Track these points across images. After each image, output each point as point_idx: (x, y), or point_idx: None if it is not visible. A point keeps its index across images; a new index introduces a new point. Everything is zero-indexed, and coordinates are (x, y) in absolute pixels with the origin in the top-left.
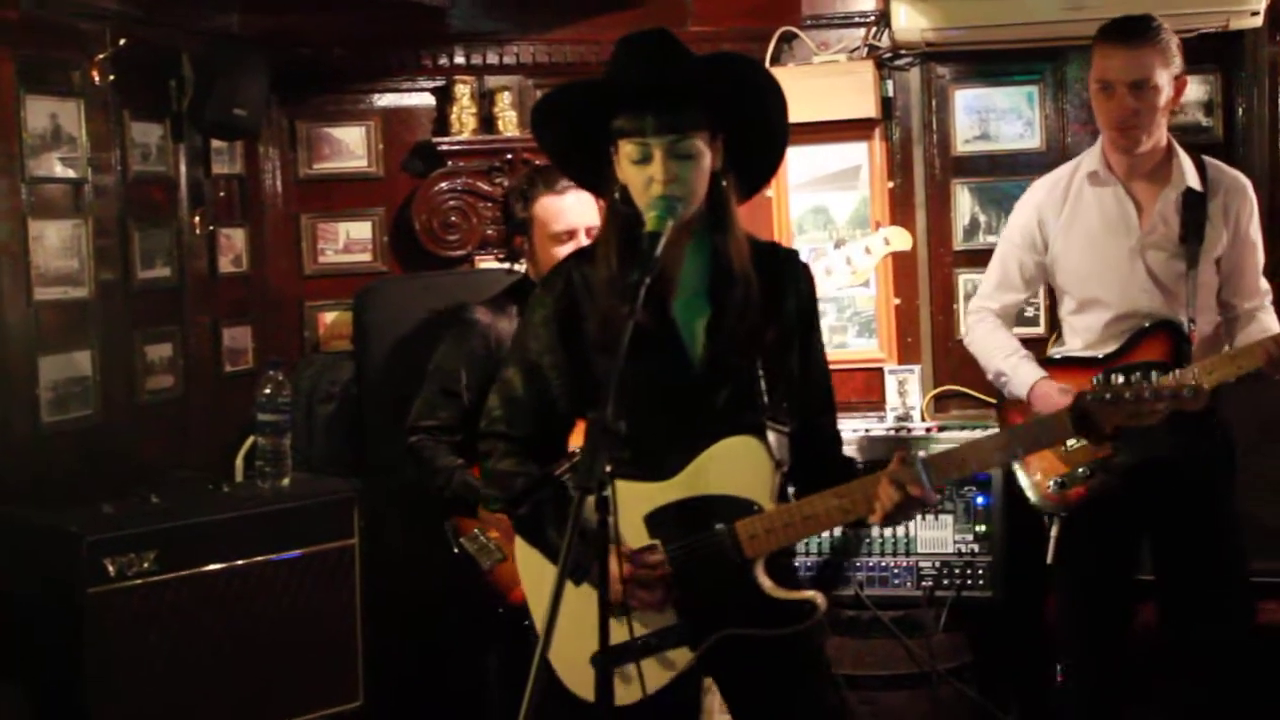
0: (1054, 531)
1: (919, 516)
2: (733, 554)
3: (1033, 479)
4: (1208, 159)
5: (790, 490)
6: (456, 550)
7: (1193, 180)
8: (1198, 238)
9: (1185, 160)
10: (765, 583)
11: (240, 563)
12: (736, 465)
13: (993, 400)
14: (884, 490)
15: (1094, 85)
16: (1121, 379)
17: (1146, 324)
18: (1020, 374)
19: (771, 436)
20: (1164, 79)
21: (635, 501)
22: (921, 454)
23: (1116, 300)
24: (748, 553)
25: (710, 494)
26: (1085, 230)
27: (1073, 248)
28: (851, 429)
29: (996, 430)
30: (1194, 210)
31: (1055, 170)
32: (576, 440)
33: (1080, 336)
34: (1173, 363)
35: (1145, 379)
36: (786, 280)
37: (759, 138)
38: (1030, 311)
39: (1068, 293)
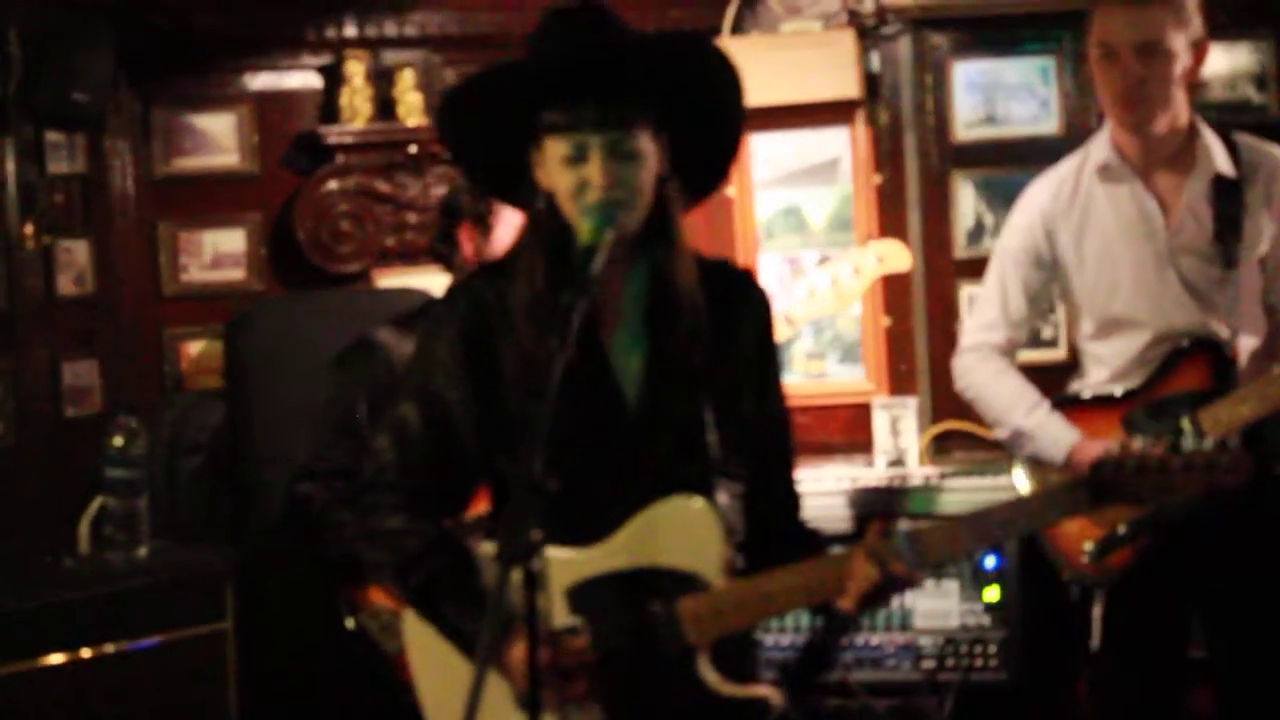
0: (1097, 610)
1: None
2: (672, 639)
3: (1061, 545)
4: (1239, 136)
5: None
6: (353, 628)
7: (1223, 164)
8: (1235, 233)
9: (1212, 140)
10: (710, 676)
11: (86, 654)
12: (680, 531)
13: None
14: (859, 567)
15: (1094, 51)
16: (1141, 438)
17: (1184, 343)
18: (1050, 433)
19: (722, 497)
20: (1179, 43)
21: (556, 571)
22: (904, 527)
23: (1148, 319)
24: (690, 638)
25: (647, 565)
26: (1101, 237)
27: (1088, 260)
28: (834, 477)
29: (1001, 499)
30: (1227, 200)
31: (1057, 166)
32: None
33: (1106, 366)
34: (1215, 390)
35: (1177, 442)
36: (741, 305)
37: (709, 136)
38: (1048, 332)
39: (1085, 314)
